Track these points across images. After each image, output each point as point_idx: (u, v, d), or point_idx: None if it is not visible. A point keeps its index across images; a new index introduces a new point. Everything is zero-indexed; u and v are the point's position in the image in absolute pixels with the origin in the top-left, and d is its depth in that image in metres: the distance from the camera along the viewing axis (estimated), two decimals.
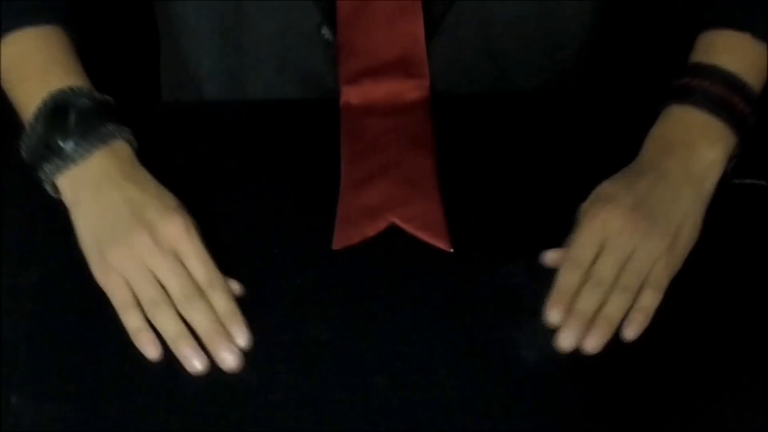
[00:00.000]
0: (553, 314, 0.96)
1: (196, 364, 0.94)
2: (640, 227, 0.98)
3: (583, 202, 1.01)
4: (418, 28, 1.13)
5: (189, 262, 0.97)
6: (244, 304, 0.98)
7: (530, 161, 1.10)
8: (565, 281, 0.97)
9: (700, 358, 0.95)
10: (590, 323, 0.95)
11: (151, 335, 0.95)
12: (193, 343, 0.94)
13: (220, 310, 0.96)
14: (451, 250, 1.03)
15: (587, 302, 0.96)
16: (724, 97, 1.03)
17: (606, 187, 1.01)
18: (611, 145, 1.09)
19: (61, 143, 0.99)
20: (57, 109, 1.00)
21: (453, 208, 1.05)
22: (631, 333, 0.96)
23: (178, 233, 0.97)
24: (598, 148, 1.10)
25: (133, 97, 1.11)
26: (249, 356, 0.95)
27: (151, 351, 0.94)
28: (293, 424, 0.91)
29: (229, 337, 0.95)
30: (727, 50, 1.05)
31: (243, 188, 1.08)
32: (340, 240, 1.03)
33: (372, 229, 1.03)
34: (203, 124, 1.15)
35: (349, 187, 1.06)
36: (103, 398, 0.92)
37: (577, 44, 1.19)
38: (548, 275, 0.99)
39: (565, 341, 0.95)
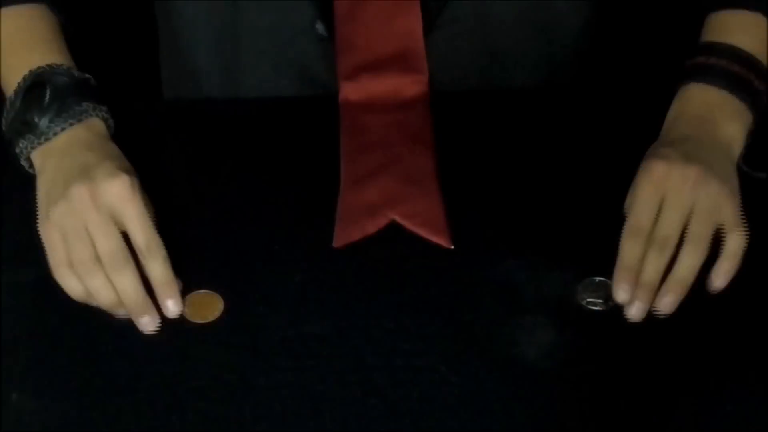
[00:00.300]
0: (621, 292, 0.96)
1: (146, 326, 0.94)
2: (699, 176, 0.97)
3: (582, 197, 1.02)
4: (416, 23, 1.13)
5: (128, 224, 0.96)
6: (244, 299, 0.98)
7: (530, 158, 1.10)
8: (629, 252, 0.96)
9: (699, 355, 0.95)
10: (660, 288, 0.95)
11: (92, 299, 0.95)
12: (122, 305, 0.94)
13: (154, 277, 0.95)
14: (452, 247, 1.03)
15: (653, 270, 0.95)
16: (742, 75, 1.04)
17: (653, 151, 1.00)
18: (611, 141, 1.09)
19: (36, 119, 1.00)
20: (34, 86, 1.01)
21: (453, 205, 1.05)
22: (720, 282, 0.96)
23: (120, 193, 0.95)
24: (597, 144, 1.10)
25: (134, 94, 1.13)
26: (250, 353, 0.95)
27: (120, 314, 0.95)
28: (293, 421, 0.91)
29: (149, 309, 0.94)
30: (741, 29, 1.06)
31: (243, 186, 1.08)
32: (341, 237, 1.03)
33: (372, 227, 1.03)
34: (203, 122, 1.15)
35: (349, 185, 1.06)
36: (104, 395, 0.92)
37: (573, 39, 1.19)
38: (548, 272, 0.99)
39: (636, 313, 0.96)
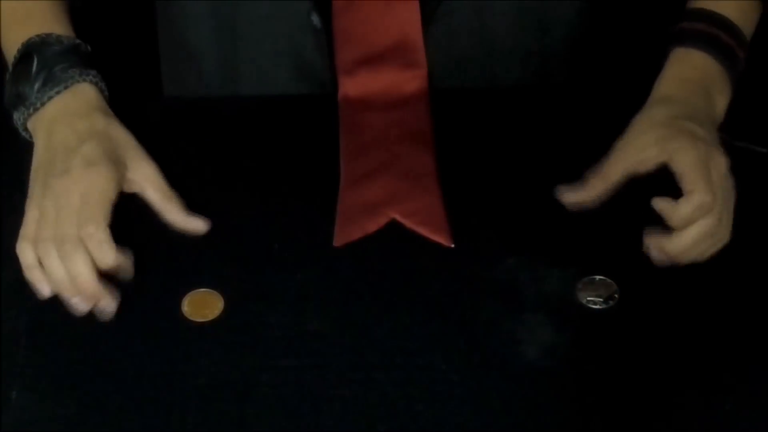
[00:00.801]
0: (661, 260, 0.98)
1: (78, 307, 0.95)
2: (720, 160, 0.99)
3: None
4: (414, 16, 1.13)
5: (87, 211, 0.96)
6: (244, 298, 0.98)
7: (530, 155, 1.10)
8: (695, 231, 0.97)
9: (699, 354, 0.95)
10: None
11: (39, 274, 0.96)
12: (74, 290, 0.95)
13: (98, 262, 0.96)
14: (452, 246, 1.03)
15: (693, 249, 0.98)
16: (734, 50, 1.06)
17: (669, 125, 1.01)
18: (611, 138, 1.08)
19: (26, 90, 1.02)
20: (24, 58, 1.03)
21: (453, 203, 1.05)
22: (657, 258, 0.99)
23: (87, 188, 0.97)
24: (598, 141, 1.09)
25: (134, 90, 1.12)
26: (249, 351, 0.95)
27: (41, 290, 0.96)
28: (294, 419, 0.91)
29: (99, 297, 0.95)
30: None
31: (243, 184, 1.08)
32: (341, 236, 1.03)
33: (372, 225, 1.03)
34: (203, 119, 1.14)
35: (349, 183, 1.06)
36: (104, 394, 0.92)
37: (569, 32, 1.19)
38: (548, 270, 0.99)
39: (657, 257, 0.98)
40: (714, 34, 1.06)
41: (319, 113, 1.13)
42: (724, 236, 0.99)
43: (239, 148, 1.11)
